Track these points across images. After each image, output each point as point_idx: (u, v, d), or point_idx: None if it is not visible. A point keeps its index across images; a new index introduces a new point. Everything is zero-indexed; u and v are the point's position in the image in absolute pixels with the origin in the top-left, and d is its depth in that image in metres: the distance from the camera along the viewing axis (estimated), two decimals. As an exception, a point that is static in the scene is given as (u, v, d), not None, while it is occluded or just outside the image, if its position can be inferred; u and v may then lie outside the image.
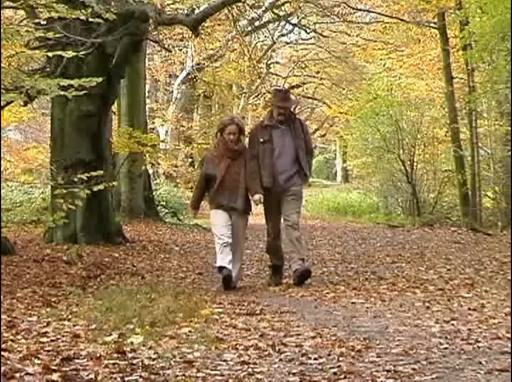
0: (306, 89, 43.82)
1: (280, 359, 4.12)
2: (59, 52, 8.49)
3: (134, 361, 3.97)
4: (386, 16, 23.56)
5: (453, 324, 5.14)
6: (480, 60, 16.42)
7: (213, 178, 8.01)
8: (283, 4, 26.28)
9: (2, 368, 3.58)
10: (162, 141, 26.72)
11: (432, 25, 20.81)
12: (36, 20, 9.65)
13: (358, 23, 28.40)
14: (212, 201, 8.09)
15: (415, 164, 19.67)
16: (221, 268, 7.79)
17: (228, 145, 8.04)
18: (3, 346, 4.28)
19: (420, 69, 24.06)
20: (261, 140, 8.09)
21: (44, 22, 9.48)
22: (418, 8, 20.67)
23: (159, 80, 32.04)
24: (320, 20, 29.42)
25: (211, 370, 3.82)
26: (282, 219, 8.19)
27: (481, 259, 9.67)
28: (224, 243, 7.80)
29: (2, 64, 8.39)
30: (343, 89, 37.08)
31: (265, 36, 32.73)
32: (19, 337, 4.75)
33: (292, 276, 7.99)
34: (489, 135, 19.07)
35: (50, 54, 8.65)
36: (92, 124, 12.06)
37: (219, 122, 8.92)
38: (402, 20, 22.43)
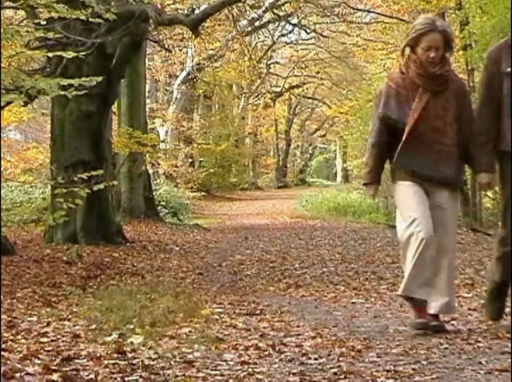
0: (306, 89, 43.88)
1: (280, 359, 4.12)
2: (59, 52, 8.50)
3: (134, 361, 3.97)
4: (386, 16, 23.58)
5: (453, 324, 5.14)
6: (480, 60, 16.40)
7: (398, 126, 4.76)
8: (283, 4, 26.30)
9: (2, 368, 3.57)
10: (162, 141, 26.77)
11: (432, 25, 20.82)
12: (36, 20, 9.68)
13: (358, 23, 28.41)
14: (396, 167, 4.84)
15: (415, 164, 19.59)
16: (409, 299, 4.81)
17: (427, 68, 4.73)
18: (3, 346, 4.27)
19: (420, 69, 24.04)
20: (508, 70, 4.66)
21: (44, 22, 9.50)
22: (418, 8, 20.66)
23: (159, 80, 32.06)
24: (319, 21, 29.45)
25: (211, 370, 3.82)
26: None
27: (481, 259, 9.65)
28: (423, 239, 4.55)
29: (2, 65, 8.40)
30: (343, 89, 37.13)
31: (265, 36, 32.75)
32: (19, 337, 4.74)
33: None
34: (489, 135, 19.06)
35: (50, 54, 8.66)
36: (92, 124, 12.07)
37: (412, 28, 4.90)
38: (402, 20, 22.43)
